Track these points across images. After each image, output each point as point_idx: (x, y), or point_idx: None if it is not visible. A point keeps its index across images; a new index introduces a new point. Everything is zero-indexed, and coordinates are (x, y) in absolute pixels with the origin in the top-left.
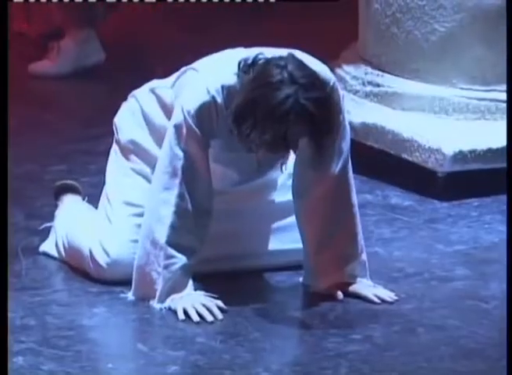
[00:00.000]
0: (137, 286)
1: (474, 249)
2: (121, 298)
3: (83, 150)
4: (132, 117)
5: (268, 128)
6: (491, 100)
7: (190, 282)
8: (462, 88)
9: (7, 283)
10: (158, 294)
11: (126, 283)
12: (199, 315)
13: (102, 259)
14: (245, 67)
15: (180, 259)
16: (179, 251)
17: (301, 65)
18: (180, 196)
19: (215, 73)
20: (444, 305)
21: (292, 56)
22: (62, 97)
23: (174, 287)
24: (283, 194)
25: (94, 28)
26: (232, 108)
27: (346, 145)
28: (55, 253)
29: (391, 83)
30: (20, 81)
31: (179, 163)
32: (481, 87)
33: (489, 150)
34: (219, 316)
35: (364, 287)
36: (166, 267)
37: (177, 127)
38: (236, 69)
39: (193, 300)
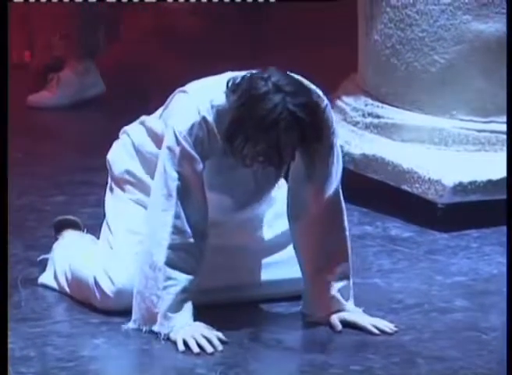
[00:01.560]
0: (137, 311)
1: (473, 281)
2: (121, 329)
3: (83, 181)
4: (124, 150)
5: (260, 140)
6: (491, 131)
7: (191, 311)
8: (462, 120)
9: (7, 315)
10: (158, 317)
11: (127, 313)
12: (199, 346)
13: (108, 288)
14: (233, 86)
15: (180, 281)
16: (178, 272)
17: (285, 75)
18: (177, 216)
19: (204, 94)
20: (443, 336)
21: (275, 69)
22: (61, 128)
23: (175, 309)
24: (271, 232)
25: (93, 60)
26: (223, 128)
27: (338, 169)
28: (54, 285)
29: (391, 114)
30: (20, 113)
31: (174, 184)
32: (481, 119)
33: (489, 181)
34: (219, 347)
35: (362, 317)
36: (165, 288)
37: (170, 149)
38: (225, 89)
39: (193, 331)
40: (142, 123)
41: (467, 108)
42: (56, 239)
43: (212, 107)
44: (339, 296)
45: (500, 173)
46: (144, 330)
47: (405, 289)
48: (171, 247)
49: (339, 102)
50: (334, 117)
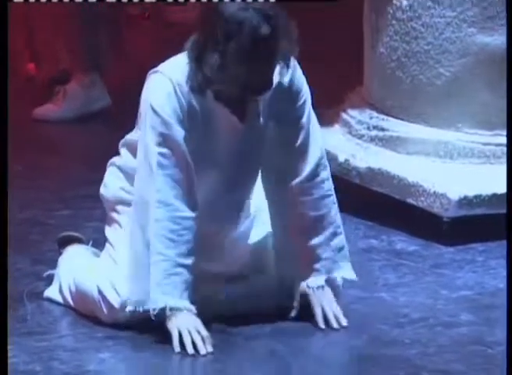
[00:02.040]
0: (133, 292)
1: (479, 295)
2: (127, 343)
3: (88, 195)
4: (112, 176)
5: (232, 46)
6: (496, 144)
7: (186, 292)
8: (467, 133)
9: (7, 329)
10: (150, 293)
11: (133, 326)
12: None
13: (114, 300)
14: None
15: (169, 256)
16: (169, 245)
17: None
18: (158, 190)
19: (174, 66)
20: (449, 350)
21: None
22: (67, 141)
23: (167, 286)
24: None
25: (99, 73)
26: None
27: (318, 137)
28: (59, 299)
29: (396, 127)
30: (25, 125)
31: (154, 159)
32: (487, 132)
33: (494, 195)
34: (210, 348)
35: (319, 302)
36: (155, 263)
37: (150, 124)
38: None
39: (189, 324)
40: (123, 144)
41: (473, 121)
42: (61, 253)
43: (184, 75)
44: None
45: (505, 186)
46: (140, 310)
47: (411, 303)
48: (158, 220)
49: (344, 115)
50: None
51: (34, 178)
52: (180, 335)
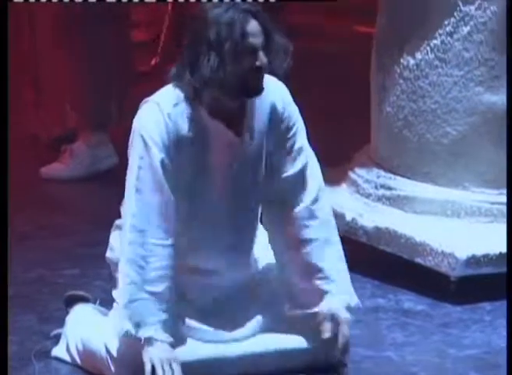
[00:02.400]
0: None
1: (486, 354)
2: None
3: (96, 254)
4: (118, 238)
5: (226, 45)
6: (503, 203)
7: (159, 329)
8: (474, 191)
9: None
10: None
11: None
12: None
13: None
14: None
15: (136, 282)
16: (135, 271)
17: None
18: (133, 215)
19: (165, 95)
20: None
21: None
22: (74, 200)
23: (130, 307)
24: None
25: (106, 132)
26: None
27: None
28: (66, 357)
29: (403, 186)
30: (32, 184)
31: (133, 183)
32: (494, 191)
33: (502, 254)
34: None
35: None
36: (123, 287)
37: (137, 152)
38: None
39: (161, 355)
40: (116, 226)
41: (480, 180)
42: (68, 312)
43: (173, 99)
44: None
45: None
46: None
47: (418, 362)
48: (130, 244)
49: (351, 174)
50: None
51: (42, 237)
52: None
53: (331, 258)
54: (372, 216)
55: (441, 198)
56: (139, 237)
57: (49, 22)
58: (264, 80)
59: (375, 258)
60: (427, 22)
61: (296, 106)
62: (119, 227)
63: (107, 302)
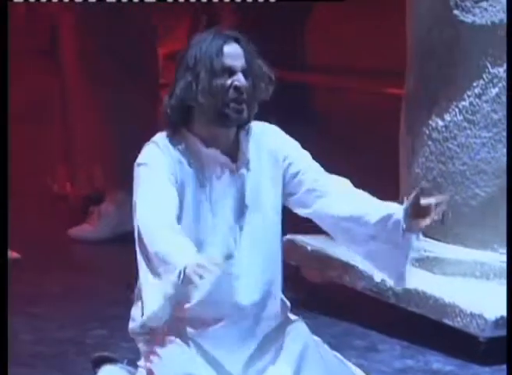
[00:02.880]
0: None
1: None
2: None
3: (124, 315)
4: (139, 309)
5: (199, 60)
6: None
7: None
8: (503, 253)
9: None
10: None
11: None
12: None
13: None
14: None
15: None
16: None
17: None
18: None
19: (159, 133)
20: None
21: None
22: (102, 260)
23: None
24: None
25: None
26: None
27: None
28: None
29: (432, 248)
30: (61, 245)
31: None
32: None
33: None
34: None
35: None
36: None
37: (139, 177)
38: None
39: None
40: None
41: None
42: (95, 373)
43: (169, 138)
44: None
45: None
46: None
47: None
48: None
49: None
50: None
51: (71, 297)
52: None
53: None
54: None
55: (470, 260)
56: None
57: (80, 84)
58: (257, 125)
59: (403, 320)
60: (455, 84)
61: (293, 141)
62: (140, 297)
63: (134, 363)
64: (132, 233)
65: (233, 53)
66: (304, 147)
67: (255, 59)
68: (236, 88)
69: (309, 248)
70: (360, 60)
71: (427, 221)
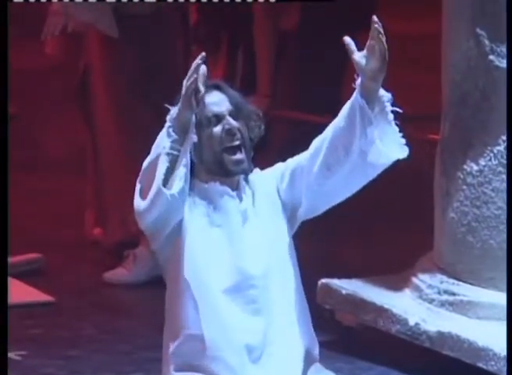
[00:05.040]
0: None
1: None
2: None
3: (158, 358)
4: None
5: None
6: None
7: None
8: None
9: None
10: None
11: None
12: None
13: None
14: None
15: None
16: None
17: None
18: None
19: None
20: None
21: None
22: (136, 304)
23: None
24: None
25: None
26: None
27: None
28: None
29: (466, 291)
30: (95, 289)
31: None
32: None
33: None
34: None
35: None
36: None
37: None
38: None
39: None
40: None
41: None
42: None
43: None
44: None
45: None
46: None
47: None
48: None
49: (415, 280)
50: None
51: (106, 341)
52: None
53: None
54: (435, 321)
55: (504, 304)
56: None
57: (111, 126)
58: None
59: (438, 363)
60: (490, 129)
61: (274, 169)
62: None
63: None
64: None
65: (217, 100)
66: None
67: (240, 101)
68: (229, 131)
69: (344, 291)
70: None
71: (376, 61)
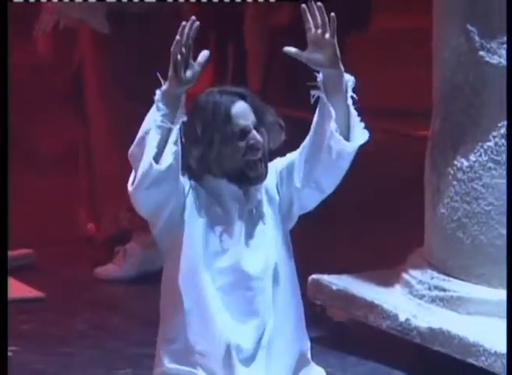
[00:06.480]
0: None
1: None
2: None
3: (149, 354)
4: None
5: (208, 131)
6: None
7: None
8: None
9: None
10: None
11: None
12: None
13: None
14: None
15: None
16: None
17: None
18: None
19: None
20: None
21: None
22: (127, 300)
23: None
24: None
25: None
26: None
27: None
28: None
29: (457, 287)
30: (87, 284)
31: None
32: None
33: None
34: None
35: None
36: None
37: None
38: None
39: None
40: None
41: None
42: None
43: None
44: None
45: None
46: None
47: None
48: None
49: (405, 276)
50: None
51: (96, 336)
52: None
53: None
54: (426, 317)
55: (495, 299)
56: None
57: (105, 124)
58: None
59: (428, 359)
60: (481, 124)
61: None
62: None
63: None
64: (157, 272)
65: (242, 113)
66: None
67: (264, 111)
68: (253, 146)
69: (334, 287)
70: (386, 100)
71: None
